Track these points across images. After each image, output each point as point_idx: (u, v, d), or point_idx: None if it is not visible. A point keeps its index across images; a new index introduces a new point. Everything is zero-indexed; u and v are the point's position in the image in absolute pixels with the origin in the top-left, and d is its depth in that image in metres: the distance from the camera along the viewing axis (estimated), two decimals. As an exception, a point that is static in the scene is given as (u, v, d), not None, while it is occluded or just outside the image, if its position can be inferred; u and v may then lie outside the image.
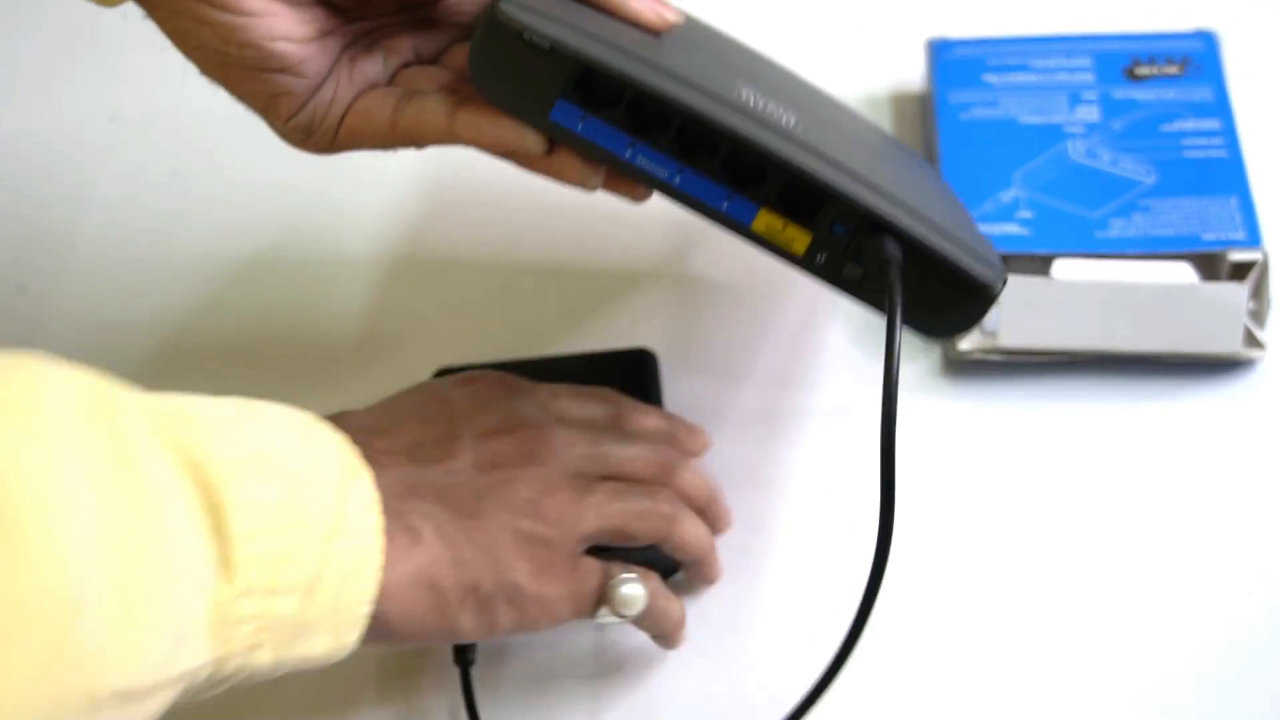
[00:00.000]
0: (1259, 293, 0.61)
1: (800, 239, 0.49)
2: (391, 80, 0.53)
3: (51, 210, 0.72)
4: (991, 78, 0.68)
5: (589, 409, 0.58)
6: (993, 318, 0.61)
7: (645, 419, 0.59)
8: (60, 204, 0.72)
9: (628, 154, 0.48)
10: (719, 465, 0.60)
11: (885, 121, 0.71)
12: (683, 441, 0.59)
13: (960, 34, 0.70)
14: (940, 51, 0.70)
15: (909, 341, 0.64)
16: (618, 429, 0.57)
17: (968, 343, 0.62)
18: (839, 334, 0.64)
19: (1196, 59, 0.68)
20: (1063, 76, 0.68)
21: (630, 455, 0.55)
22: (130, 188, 0.73)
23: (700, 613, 0.57)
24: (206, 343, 0.68)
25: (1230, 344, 0.61)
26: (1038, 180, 0.64)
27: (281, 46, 0.49)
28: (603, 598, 0.53)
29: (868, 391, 0.62)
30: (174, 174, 0.73)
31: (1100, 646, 0.56)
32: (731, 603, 0.58)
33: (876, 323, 0.64)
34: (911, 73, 0.72)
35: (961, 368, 0.63)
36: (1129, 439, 0.61)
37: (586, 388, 0.58)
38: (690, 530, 0.55)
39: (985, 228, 0.63)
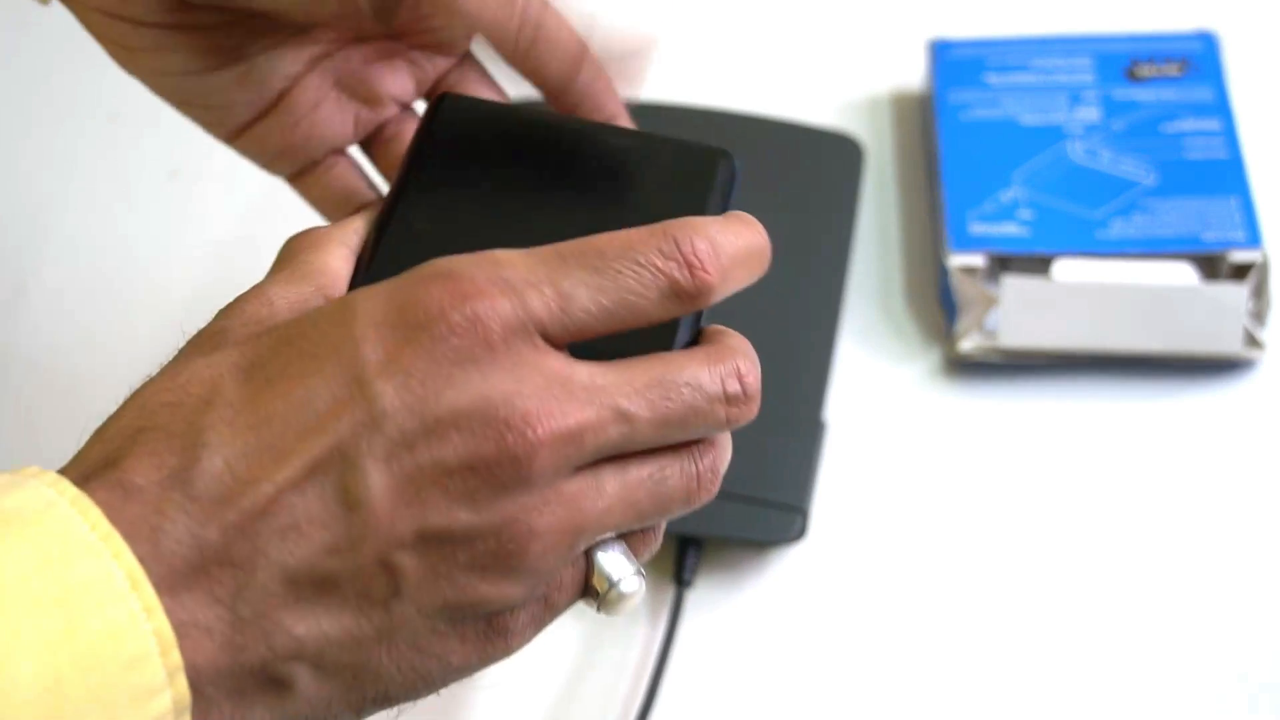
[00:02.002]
0: (1259, 293, 0.61)
1: None
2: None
3: (51, 211, 0.72)
4: (992, 78, 0.68)
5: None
6: (993, 317, 0.61)
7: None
8: (60, 204, 0.72)
9: None
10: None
11: (885, 122, 0.71)
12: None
13: (960, 34, 0.70)
14: (940, 52, 0.70)
15: (909, 341, 0.64)
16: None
17: (968, 343, 0.62)
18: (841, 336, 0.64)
19: (1196, 59, 0.68)
20: (1063, 77, 0.68)
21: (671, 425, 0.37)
22: (130, 188, 0.73)
23: (693, 620, 0.57)
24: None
25: (1230, 344, 0.61)
26: (1038, 180, 0.64)
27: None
28: (584, 592, 0.38)
29: (869, 394, 0.62)
30: (174, 174, 0.73)
31: (1099, 645, 0.56)
32: (728, 608, 0.58)
33: (878, 325, 0.64)
34: (911, 73, 0.72)
35: (962, 368, 0.63)
36: (1129, 439, 0.61)
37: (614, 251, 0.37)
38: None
39: (985, 228, 0.63)
